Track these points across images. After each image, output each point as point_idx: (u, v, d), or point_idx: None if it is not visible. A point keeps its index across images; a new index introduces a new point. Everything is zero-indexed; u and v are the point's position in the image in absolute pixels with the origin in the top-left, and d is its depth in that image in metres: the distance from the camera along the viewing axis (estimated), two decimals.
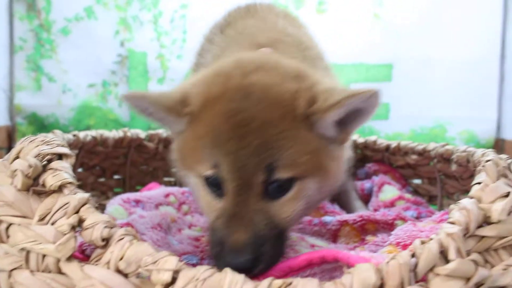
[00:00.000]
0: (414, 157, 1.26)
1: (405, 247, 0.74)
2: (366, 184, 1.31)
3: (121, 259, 0.50)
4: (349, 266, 0.52)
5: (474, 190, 0.62)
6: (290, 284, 0.46)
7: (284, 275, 0.59)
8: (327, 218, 1.03)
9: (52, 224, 0.53)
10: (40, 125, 1.78)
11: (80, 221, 0.53)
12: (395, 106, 1.84)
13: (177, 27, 1.80)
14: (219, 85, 0.68)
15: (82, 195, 0.55)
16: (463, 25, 1.78)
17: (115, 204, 1.05)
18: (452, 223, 0.56)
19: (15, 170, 0.57)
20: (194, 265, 0.51)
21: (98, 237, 0.51)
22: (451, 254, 0.53)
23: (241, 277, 0.47)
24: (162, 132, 1.34)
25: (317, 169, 0.66)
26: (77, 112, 1.80)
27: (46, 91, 1.79)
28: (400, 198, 1.18)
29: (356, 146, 1.39)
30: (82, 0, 1.78)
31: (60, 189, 0.57)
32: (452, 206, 0.61)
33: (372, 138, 1.38)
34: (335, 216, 1.05)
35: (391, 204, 1.18)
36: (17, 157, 0.62)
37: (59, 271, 0.51)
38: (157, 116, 0.71)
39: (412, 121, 1.85)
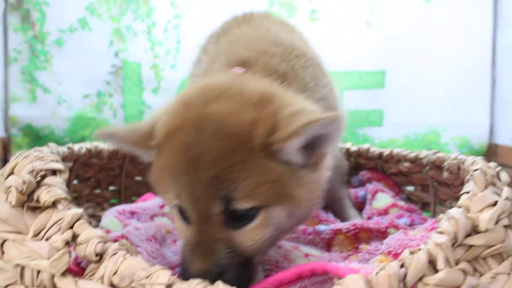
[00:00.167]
0: (407, 164, 1.27)
1: (396, 256, 0.75)
2: (360, 191, 1.32)
3: (114, 273, 0.50)
4: (339, 278, 0.53)
5: (462, 199, 0.63)
6: None
7: None
8: (321, 227, 1.04)
9: (47, 240, 0.54)
10: (36, 136, 1.78)
11: (74, 237, 0.54)
12: (388, 112, 1.85)
13: (171, 37, 1.81)
14: (179, 116, 0.68)
15: (76, 210, 0.56)
16: (454, 32, 1.79)
17: (110, 216, 1.05)
18: (440, 232, 0.57)
19: (9, 187, 0.58)
20: None
21: (92, 252, 0.52)
22: (440, 264, 0.54)
23: None
24: None
25: (283, 198, 0.65)
26: (72, 123, 1.81)
27: (41, 102, 1.79)
28: (394, 205, 1.20)
29: (349, 154, 1.41)
30: (76, 11, 1.79)
31: (54, 204, 0.58)
32: (441, 215, 0.62)
33: (365, 146, 1.39)
34: (329, 225, 1.06)
35: (385, 212, 1.19)
36: (11, 173, 0.62)
37: (54, 287, 0.52)
38: (128, 149, 0.75)
39: (405, 127, 1.86)
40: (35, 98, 1.78)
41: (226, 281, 0.50)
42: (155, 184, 0.72)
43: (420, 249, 0.55)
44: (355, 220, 1.12)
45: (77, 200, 1.22)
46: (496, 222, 0.61)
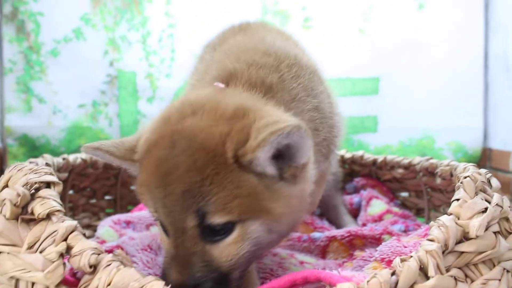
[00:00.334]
0: (401, 171, 1.28)
1: (389, 263, 0.76)
2: (355, 198, 1.33)
3: (108, 285, 0.51)
4: (332, 285, 0.54)
5: (453, 206, 0.64)
6: None
7: None
8: (316, 234, 1.05)
9: (41, 252, 0.54)
10: (31, 146, 1.78)
11: (68, 248, 0.55)
12: (383, 118, 1.86)
13: (165, 46, 1.82)
14: (157, 131, 0.69)
15: (70, 222, 0.57)
16: (447, 38, 1.81)
17: (106, 226, 1.06)
18: (431, 240, 0.58)
19: (4, 200, 0.58)
20: None
21: (86, 263, 0.53)
22: (431, 271, 0.55)
23: None
24: None
25: (258, 212, 0.63)
26: (67, 133, 1.81)
27: (36, 112, 1.79)
28: (388, 211, 1.20)
29: (343, 161, 1.42)
30: (71, 21, 1.79)
31: (48, 217, 0.58)
32: (431, 223, 0.62)
33: (359, 153, 1.40)
34: (323, 232, 1.06)
35: (380, 218, 1.19)
36: (5, 186, 0.63)
37: None
38: (114, 163, 0.76)
39: (400, 133, 1.87)
40: (30, 108, 1.79)
41: None
42: (139, 197, 0.73)
43: (411, 257, 0.55)
44: (350, 227, 1.12)
45: (73, 210, 1.22)
46: (487, 229, 0.61)
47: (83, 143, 1.79)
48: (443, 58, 1.82)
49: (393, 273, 0.53)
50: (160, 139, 0.67)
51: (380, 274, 0.53)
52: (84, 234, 0.57)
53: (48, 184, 0.63)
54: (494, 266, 0.61)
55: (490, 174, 0.76)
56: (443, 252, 0.57)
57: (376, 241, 0.99)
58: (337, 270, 0.60)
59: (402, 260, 0.55)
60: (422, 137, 1.86)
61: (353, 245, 1.00)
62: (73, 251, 0.53)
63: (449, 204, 0.66)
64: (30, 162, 0.80)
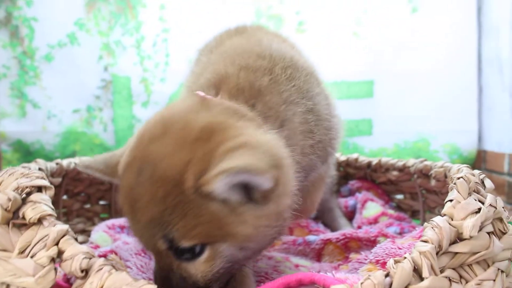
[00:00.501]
0: (395, 173, 1.28)
1: (384, 265, 0.76)
2: (350, 201, 1.33)
3: None
4: (326, 287, 0.54)
5: (446, 207, 0.64)
6: None
7: None
8: (311, 237, 1.04)
9: (32, 257, 0.54)
10: (26, 152, 1.78)
11: (60, 253, 0.54)
12: (377, 121, 1.87)
13: (160, 50, 1.82)
14: (131, 153, 0.69)
15: (61, 226, 0.56)
16: (440, 41, 1.82)
17: (100, 231, 1.05)
18: (425, 241, 0.58)
19: None
20: None
21: (77, 268, 0.52)
22: (425, 272, 0.55)
23: None
24: None
25: (224, 235, 0.63)
26: (62, 138, 1.81)
27: (30, 117, 1.79)
28: (383, 214, 1.20)
29: (338, 164, 1.41)
30: (65, 26, 1.79)
31: (39, 221, 0.58)
32: (425, 224, 0.62)
33: (353, 155, 1.40)
34: (318, 235, 1.06)
35: (375, 221, 1.19)
36: None
37: None
38: (105, 178, 0.77)
39: (395, 136, 1.88)
40: (24, 113, 1.78)
41: None
42: None
43: (405, 258, 0.55)
44: (345, 229, 1.12)
45: (67, 215, 1.21)
46: (480, 229, 0.61)
47: (78, 148, 1.80)
48: (437, 61, 1.83)
49: (387, 275, 0.53)
50: (130, 164, 0.68)
51: (374, 276, 0.53)
52: (76, 239, 0.57)
53: (39, 188, 0.63)
54: (488, 266, 0.61)
55: (483, 175, 0.76)
56: (437, 253, 0.57)
57: (371, 243, 0.99)
58: (331, 272, 0.60)
59: (396, 262, 0.55)
60: (417, 139, 1.87)
61: (348, 247, 1.00)
62: (65, 255, 0.53)
63: (443, 206, 0.66)
64: (23, 167, 0.79)
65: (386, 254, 0.78)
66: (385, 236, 1.01)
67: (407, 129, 1.87)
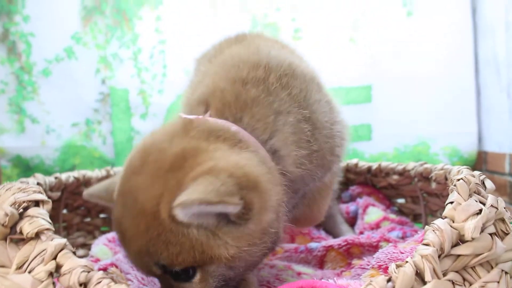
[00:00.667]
0: (396, 177, 1.28)
1: (386, 270, 0.75)
2: (351, 207, 1.32)
3: None
4: None
5: (447, 209, 0.63)
6: None
7: None
8: (312, 245, 1.04)
9: (30, 272, 0.53)
10: (25, 167, 1.78)
11: (58, 267, 0.54)
12: (376, 126, 1.86)
13: (157, 62, 1.82)
14: (119, 185, 0.71)
15: (59, 240, 0.56)
16: (437, 44, 1.82)
17: (100, 244, 1.04)
18: (426, 244, 0.57)
19: None
20: None
21: (76, 282, 0.52)
22: (427, 276, 0.54)
23: None
24: None
25: (208, 258, 0.63)
26: (61, 152, 1.80)
27: (29, 132, 1.79)
28: (385, 219, 1.20)
29: None
30: (62, 40, 1.80)
31: (37, 236, 0.57)
32: (426, 227, 0.62)
33: (353, 161, 1.40)
34: (320, 242, 1.05)
35: (377, 226, 1.18)
36: None
37: None
38: (109, 205, 0.78)
39: (395, 140, 1.87)
40: (23, 128, 1.78)
41: None
42: None
43: (406, 262, 0.55)
44: (347, 235, 1.11)
45: (67, 229, 1.21)
46: (482, 230, 0.61)
47: (77, 162, 1.80)
48: (434, 63, 1.83)
49: (389, 279, 0.53)
50: (117, 195, 0.70)
51: (375, 281, 0.52)
52: (74, 252, 0.56)
53: (37, 203, 0.63)
54: (492, 268, 0.60)
55: (484, 176, 0.76)
56: (439, 256, 0.56)
57: (373, 248, 0.98)
58: (333, 279, 0.59)
59: (398, 266, 0.54)
60: (417, 143, 1.86)
61: (350, 253, 1.00)
62: (63, 269, 0.52)
63: (444, 208, 0.65)
64: (21, 182, 0.79)
65: (388, 259, 0.78)
66: (387, 241, 1.00)
67: (407, 133, 1.86)
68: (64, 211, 1.19)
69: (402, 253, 0.79)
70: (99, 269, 0.76)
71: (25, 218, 0.59)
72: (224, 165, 0.63)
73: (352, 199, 1.36)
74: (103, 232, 1.24)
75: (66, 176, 1.10)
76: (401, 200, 1.33)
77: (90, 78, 1.81)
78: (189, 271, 0.65)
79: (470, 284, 0.58)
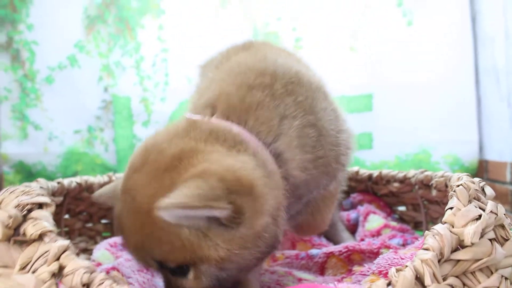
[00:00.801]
0: (396, 185, 1.28)
1: (386, 275, 0.75)
2: (352, 214, 1.32)
3: None
4: None
5: (447, 215, 0.64)
6: None
7: None
8: (313, 251, 1.04)
9: (33, 272, 0.54)
10: (28, 173, 1.78)
11: (61, 268, 0.54)
12: (378, 135, 1.87)
13: (159, 70, 1.83)
14: (122, 183, 0.72)
15: (62, 242, 0.56)
16: (437, 53, 1.83)
17: (102, 249, 1.05)
18: (426, 249, 0.58)
19: None
20: None
21: (78, 282, 0.52)
22: (427, 280, 0.55)
23: None
24: None
25: (199, 258, 0.63)
26: (64, 159, 1.81)
27: (32, 139, 1.80)
28: (386, 226, 1.20)
29: None
30: (65, 49, 1.82)
31: (40, 237, 0.58)
32: (426, 232, 0.62)
33: (354, 168, 1.40)
34: (321, 249, 1.06)
35: (378, 233, 1.19)
36: None
37: None
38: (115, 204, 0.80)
39: (396, 148, 1.88)
40: (26, 135, 1.79)
41: None
42: None
43: (406, 266, 0.55)
44: (348, 242, 1.11)
45: (69, 234, 1.21)
46: (482, 236, 0.61)
47: (79, 168, 1.81)
48: (434, 72, 1.84)
49: (388, 283, 0.53)
50: (120, 193, 0.71)
51: (375, 285, 0.53)
52: (77, 254, 0.57)
53: (40, 205, 0.63)
54: (492, 273, 0.61)
55: (483, 183, 0.76)
56: (439, 261, 0.57)
57: (374, 255, 0.98)
58: (333, 283, 0.59)
59: (398, 270, 0.54)
60: (418, 151, 1.87)
61: (351, 260, 1.00)
62: (66, 270, 0.53)
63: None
64: (24, 186, 0.80)
65: (388, 264, 0.78)
66: (388, 247, 1.00)
67: (408, 142, 1.87)
68: (66, 216, 1.19)
69: (403, 258, 0.79)
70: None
71: (29, 220, 0.60)
72: (216, 168, 0.64)
73: (353, 206, 1.37)
74: (105, 237, 1.25)
75: (69, 181, 1.11)
76: (402, 208, 1.33)
77: (93, 86, 1.83)
78: (183, 268, 0.66)
79: None
